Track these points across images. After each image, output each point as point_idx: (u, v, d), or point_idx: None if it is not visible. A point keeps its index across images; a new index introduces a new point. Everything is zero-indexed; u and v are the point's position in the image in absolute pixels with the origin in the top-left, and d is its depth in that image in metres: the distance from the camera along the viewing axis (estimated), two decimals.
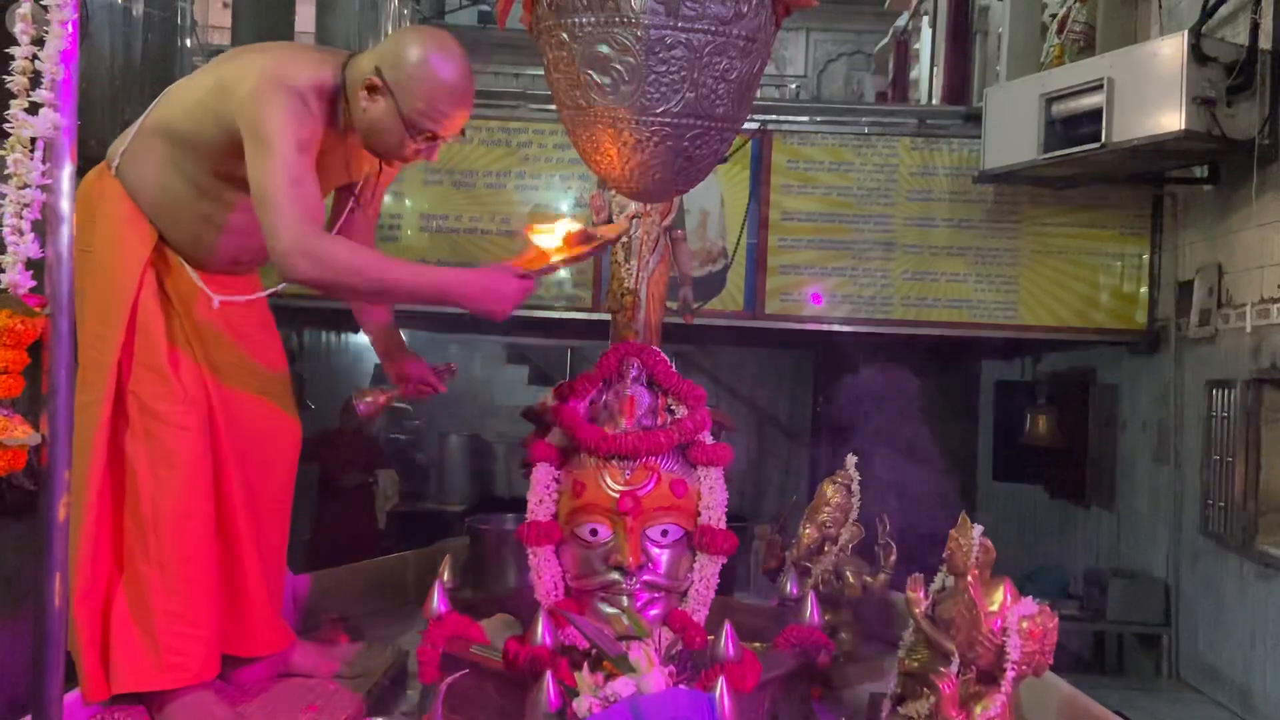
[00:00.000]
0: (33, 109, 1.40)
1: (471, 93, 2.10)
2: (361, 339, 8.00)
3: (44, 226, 1.41)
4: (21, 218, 1.39)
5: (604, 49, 2.08)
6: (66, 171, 1.43)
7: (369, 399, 2.43)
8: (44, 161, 1.41)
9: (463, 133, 2.14)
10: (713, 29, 2.10)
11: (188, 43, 4.99)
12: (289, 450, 2.35)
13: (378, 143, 2.10)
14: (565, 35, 2.13)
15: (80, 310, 2.03)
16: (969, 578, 1.86)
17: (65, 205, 1.42)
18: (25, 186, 1.39)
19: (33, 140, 1.40)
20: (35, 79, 1.40)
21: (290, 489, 2.36)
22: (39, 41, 1.40)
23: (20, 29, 1.40)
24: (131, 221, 2.12)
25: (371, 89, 2.03)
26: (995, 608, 1.80)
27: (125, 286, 2.07)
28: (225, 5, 6.71)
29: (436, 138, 2.08)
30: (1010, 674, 1.76)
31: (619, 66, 2.08)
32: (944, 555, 1.95)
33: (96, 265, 2.10)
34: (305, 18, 6.63)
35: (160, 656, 2.06)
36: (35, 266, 1.43)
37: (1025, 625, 1.76)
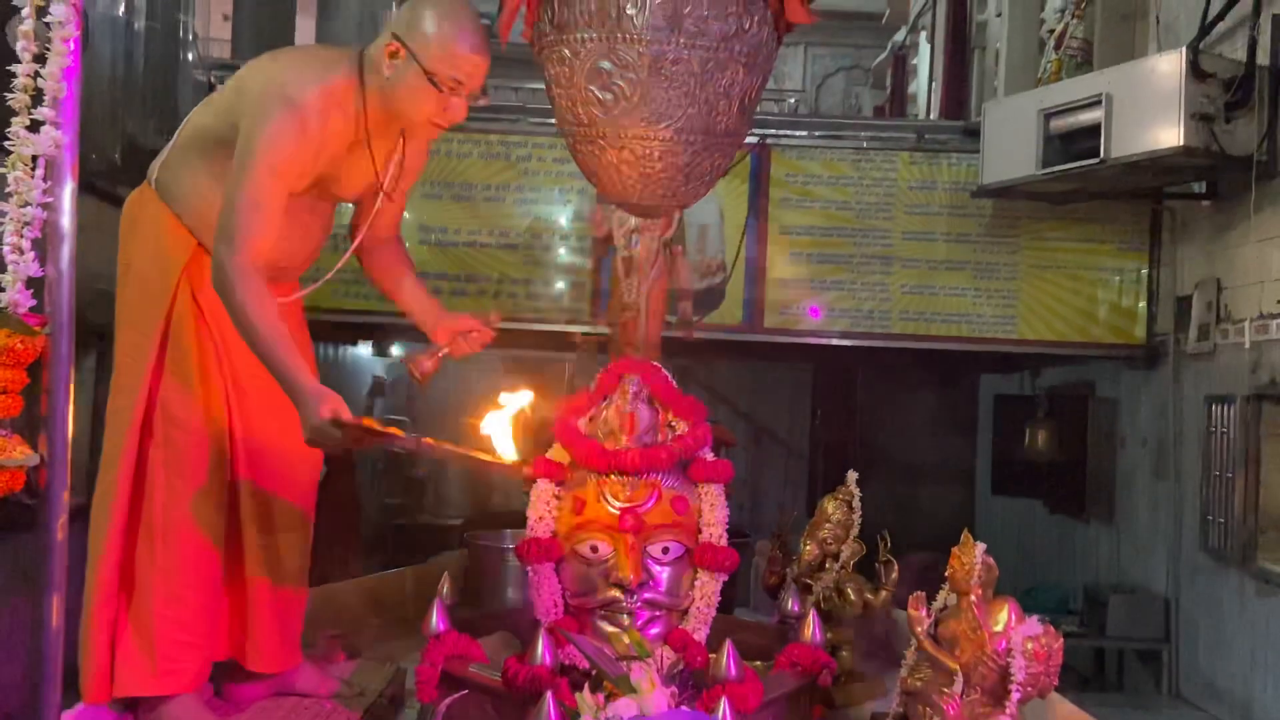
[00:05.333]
0: (34, 126, 1.39)
1: (485, 41, 2.12)
2: (360, 352, 7.99)
3: (45, 245, 1.41)
4: (22, 236, 1.38)
5: (606, 65, 2.09)
6: (68, 189, 1.43)
7: (415, 364, 2.38)
8: (45, 179, 1.41)
9: (484, 91, 2.16)
10: (714, 45, 2.10)
11: (189, 56, 4.98)
12: (310, 467, 2.34)
13: (406, 105, 2.12)
14: (567, 51, 2.13)
15: (119, 320, 2.15)
16: (972, 597, 1.85)
17: (66, 223, 1.42)
18: (26, 204, 1.39)
19: (34, 158, 1.39)
20: (37, 96, 1.39)
21: (310, 505, 2.36)
22: (40, 58, 1.39)
23: (22, 45, 1.39)
24: (170, 232, 2.17)
25: (392, 54, 2.08)
26: (1000, 628, 1.79)
27: (161, 296, 2.13)
28: (225, 18, 6.72)
29: (460, 86, 2.09)
30: (1015, 695, 1.75)
31: (621, 83, 2.09)
32: (946, 573, 1.94)
33: (135, 276, 2.16)
34: (305, 31, 6.64)
35: (156, 663, 2.09)
36: (36, 285, 1.43)
37: (1030, 646, 1.75)
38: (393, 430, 2.09)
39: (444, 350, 2.40)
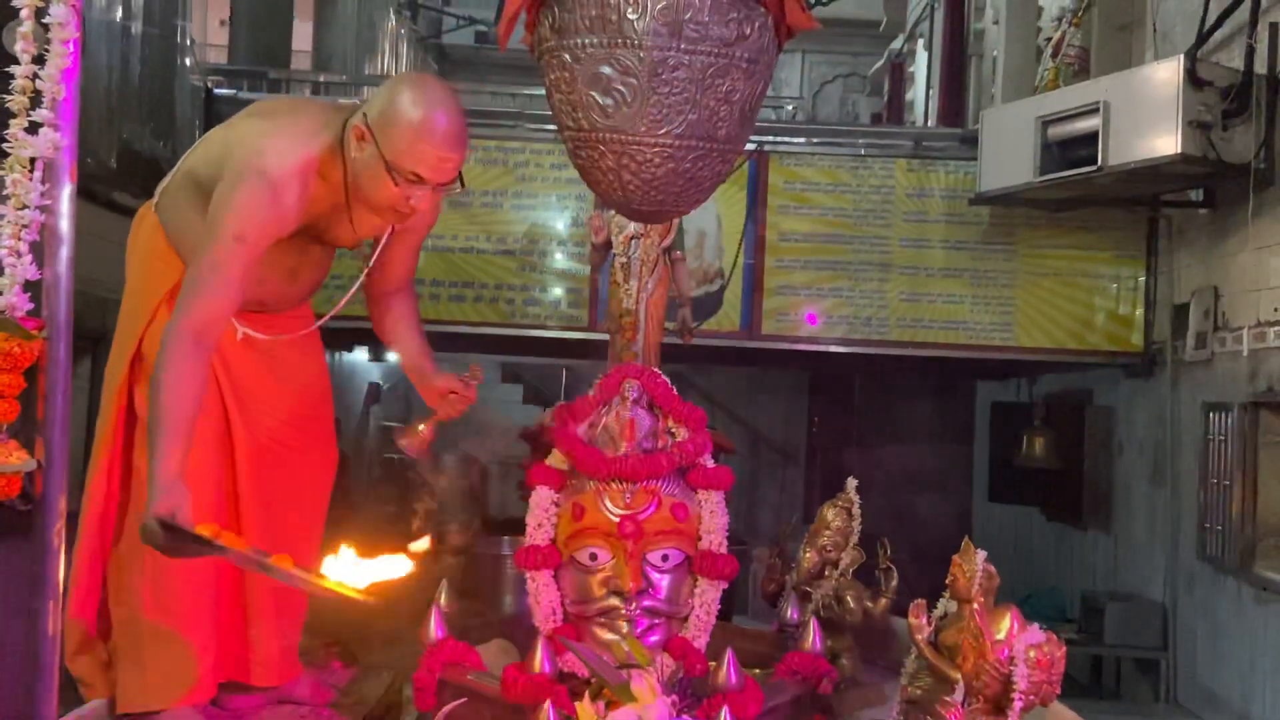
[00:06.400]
0: (32, 128, 1.38)
1: (456, 137, 2.07)
2: (354, 358, 7.97)
3: (42, 248, 1.40)
4: (20, 239, 1.37)
5: (606, 70, 2.08)
6: (66, 192, 1.42)
7: (408, 438, 2.30)
8: (43, 182, 1.39)
9: (460, 181, 2.12)
10: (715, 51, 2.09)
11: (186, 61, 4.97)
12: (321, 480, 2.34)
13: (367, 189, 2.09)
14: (568, 56, 2.12)
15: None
16: (974, 605, 1.84)
17: (64, 226, 1.41)
18: (24, 207, 1.38)
19: (32, 160, 1.38)
20: (35, 98, 1.38)
21: (319, 518, 2.35)
22: (39, 60, 1.38)
23: (21, 47, 1.38)
24: (161, 256, 2.19)
25: (360, 136, 2.06)
26: (1002, 636, 1.78)
27: (141, 314, 2.15)
28: (222, 24, 6.72)
29: (422, 181, 2.05)
30: (1018, 704, 1.74)
31: (621, 88, 2.08)
32: (946, 581, 1.93)
33: (126, 291, 2.21)
34: (303, 36, 6.64)
35: (146, 675, 2.09)
36: (33, 289, 1.42)
37: (1033, 655, 1.74)
38: (230, 541, 1.87)
39: (435, 418, 2.31)
